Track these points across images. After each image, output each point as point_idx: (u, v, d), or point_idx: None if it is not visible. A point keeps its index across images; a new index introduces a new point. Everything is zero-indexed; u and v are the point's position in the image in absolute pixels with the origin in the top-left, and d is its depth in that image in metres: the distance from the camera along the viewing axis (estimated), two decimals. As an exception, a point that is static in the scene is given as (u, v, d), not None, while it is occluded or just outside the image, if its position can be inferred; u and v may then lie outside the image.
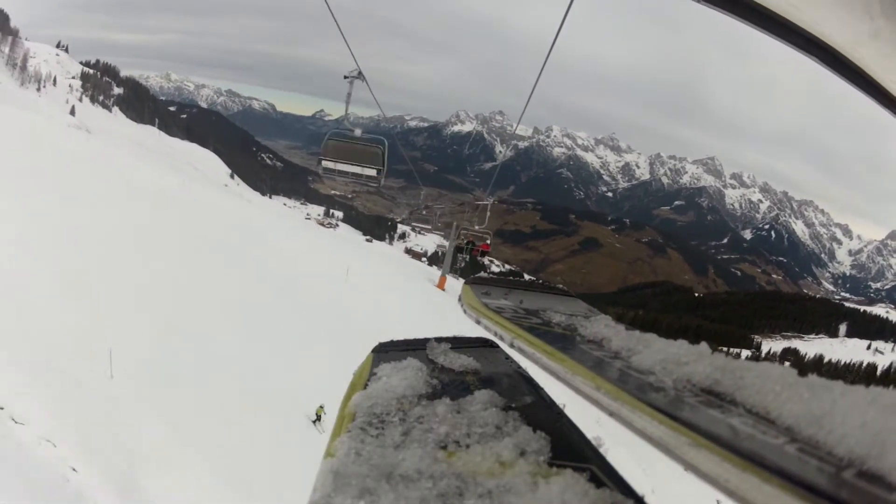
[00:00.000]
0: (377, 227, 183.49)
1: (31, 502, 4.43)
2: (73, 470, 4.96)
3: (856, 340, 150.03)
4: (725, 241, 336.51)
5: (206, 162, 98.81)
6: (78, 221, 10.25)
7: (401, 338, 0.94)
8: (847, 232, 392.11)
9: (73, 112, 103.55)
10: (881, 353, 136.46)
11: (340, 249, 24.54)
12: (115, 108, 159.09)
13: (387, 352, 0.89)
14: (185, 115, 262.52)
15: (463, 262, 31.68)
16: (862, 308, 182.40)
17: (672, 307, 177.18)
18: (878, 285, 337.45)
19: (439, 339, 0.92)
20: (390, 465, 0.55)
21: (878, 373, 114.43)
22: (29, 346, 6.09)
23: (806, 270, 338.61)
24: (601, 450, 0.62)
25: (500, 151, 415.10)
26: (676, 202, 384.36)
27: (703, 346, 0.62)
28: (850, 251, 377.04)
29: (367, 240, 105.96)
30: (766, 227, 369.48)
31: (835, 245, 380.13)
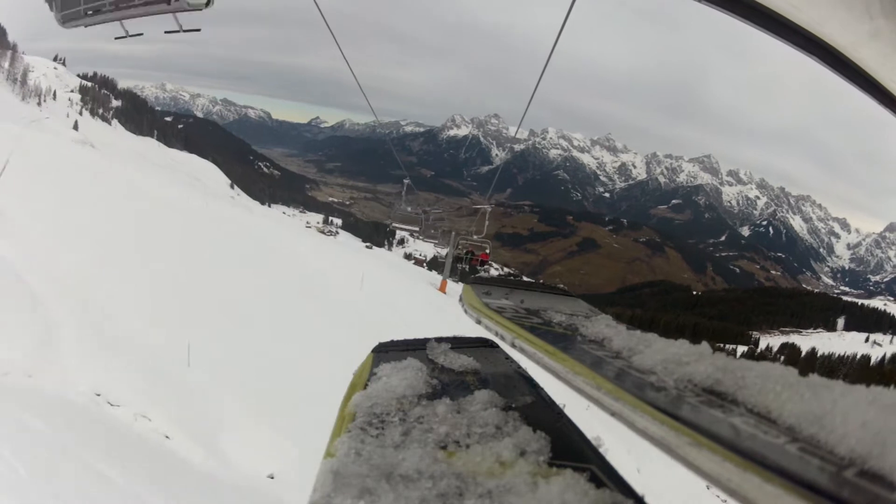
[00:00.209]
0: (376, 234, 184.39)
1: (140, 456, 5.69)
2: (167, 437, 6.25)
3: (854, 334, 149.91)
4: (723, 238, 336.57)
5: (207, 172, 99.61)
6: (141, 239, 11.86)
7: (409, 337, 0.94)
8: (845, 226, 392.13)
9: (76, 127, 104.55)
10: (879, 345, 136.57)
11: (346, 254, 25.94)
12: (115, 121, 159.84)
13: (387, 352, 0.88)
14: (182, 126, 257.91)
15: (462, 270, 31.01)
16: (860, 301, 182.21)
17: (670, 306, 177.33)
18: (878, 278, 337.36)
19: (439, 339, 0.91)
20: (390, 465, 0.55)
21: (871, 364, 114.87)
22: (119, 346, 7.41)
23: (805, 266, 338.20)
24: (601, 450, 0.61)
25: (497, 154, 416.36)
26: (673, 201, 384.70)
27: (704, 345, 0.62)
28: (848, 245, 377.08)
29: (368, 246, 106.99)
30: (764, 223, 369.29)
31: (833, 239, 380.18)
